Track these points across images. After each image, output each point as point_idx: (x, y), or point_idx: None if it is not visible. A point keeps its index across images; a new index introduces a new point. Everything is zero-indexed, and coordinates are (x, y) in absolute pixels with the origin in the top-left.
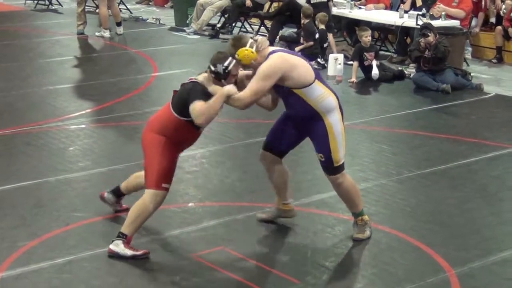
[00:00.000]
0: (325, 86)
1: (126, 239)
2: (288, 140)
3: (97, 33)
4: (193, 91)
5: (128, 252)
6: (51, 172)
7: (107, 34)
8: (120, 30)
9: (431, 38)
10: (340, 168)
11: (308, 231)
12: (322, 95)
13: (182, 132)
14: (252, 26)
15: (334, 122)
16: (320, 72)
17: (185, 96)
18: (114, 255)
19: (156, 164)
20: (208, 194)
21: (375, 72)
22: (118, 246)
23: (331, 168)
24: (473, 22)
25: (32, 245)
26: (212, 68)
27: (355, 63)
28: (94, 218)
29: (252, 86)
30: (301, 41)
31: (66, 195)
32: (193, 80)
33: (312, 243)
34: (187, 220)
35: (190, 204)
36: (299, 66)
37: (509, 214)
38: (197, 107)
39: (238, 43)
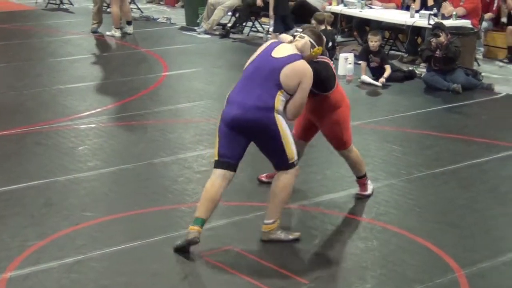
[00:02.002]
0: None
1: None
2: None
3: (107, 33)
4: None
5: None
6: (61, 171)
7: (118, 33)
8: (130, 29)
9: (442, 38)
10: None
11: (317, 231)
12: None
13: None
14: (263, 25)
15: None
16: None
17: None
18: None
19: None
20: None
21: (381, 80)
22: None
23: None
24: (484, 23)
25: (41, 244)
26: None
27: (363, 63)
28: (103, 218)
29: None
30: None
31: (76, 195)
32: None
33: (321, 243)
34: None
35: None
36: None
37: None
38: None
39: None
